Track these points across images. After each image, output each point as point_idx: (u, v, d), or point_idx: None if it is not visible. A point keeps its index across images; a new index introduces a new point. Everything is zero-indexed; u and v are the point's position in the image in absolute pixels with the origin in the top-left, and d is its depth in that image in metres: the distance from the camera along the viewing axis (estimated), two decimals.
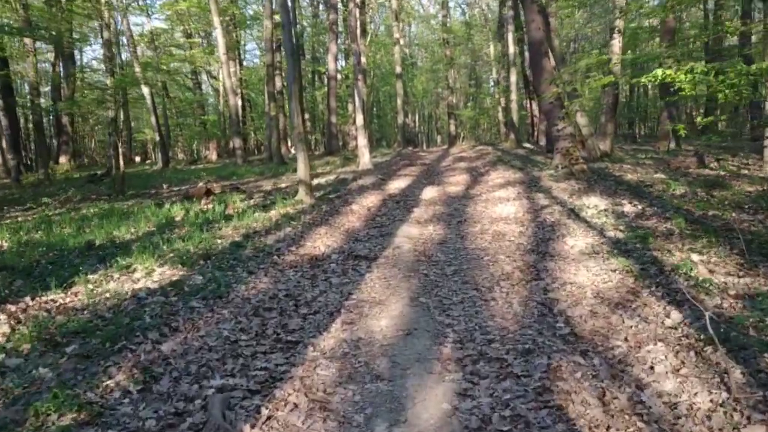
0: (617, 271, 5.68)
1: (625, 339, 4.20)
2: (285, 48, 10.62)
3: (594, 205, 9.07)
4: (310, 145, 41.25)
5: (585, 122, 15.70)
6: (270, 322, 4.81)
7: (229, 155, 32.19)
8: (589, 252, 6.56)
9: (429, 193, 12.51)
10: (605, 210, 8.70)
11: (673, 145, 19.52)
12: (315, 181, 14.75)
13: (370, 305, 5.30)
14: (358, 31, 18.67)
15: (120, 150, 13.19)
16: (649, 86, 38.59)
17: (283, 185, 14.13)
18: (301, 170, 10.54)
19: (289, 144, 29.63)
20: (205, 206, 10.75)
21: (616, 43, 16.47)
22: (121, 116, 30.04)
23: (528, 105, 34.76)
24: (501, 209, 9.92)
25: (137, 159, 38.26)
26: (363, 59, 24.17)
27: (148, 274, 5.90)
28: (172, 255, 6.54)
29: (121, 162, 13.23)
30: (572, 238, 7.32)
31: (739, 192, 9.28)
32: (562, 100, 13.16)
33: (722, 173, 11.64)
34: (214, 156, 33.99)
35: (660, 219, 7.73)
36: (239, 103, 30.44)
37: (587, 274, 5.77)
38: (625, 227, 7.54)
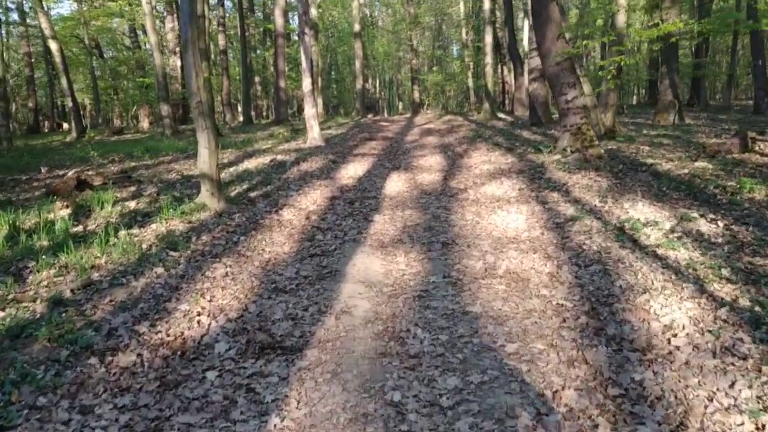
0: None
1: None
2: None
3: (651, 220, 5.89)
4: (261, 112, 37.02)
5: (588, 90, 12.50)
6: None
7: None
8: (716, 349, 3.35)
9: (395, 185, 9.17)
10: (672, 231, 5.52)
11: (676, 118, 16.67)
12: (242, 166, 11.17)
13: None
14: None
15: None
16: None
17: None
18: (204, 159, 6.98)
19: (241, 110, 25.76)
20: (62, 211, 7.15)
21: None
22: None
23: (500, 70, 31.47)
24: (503, 220, 6.66)
25: (65, 126, 33.17)
26: (313, 11, 20.42)
27: None
28: None
29: None
30: (654, 298, 4.11)
31: None
32: (573, 60, 9.90)
33: None
34: (146, 124, 29.56)
35: None
36: (178, 63, 26.12)
37: None
38: (731, 272, 4.39)
